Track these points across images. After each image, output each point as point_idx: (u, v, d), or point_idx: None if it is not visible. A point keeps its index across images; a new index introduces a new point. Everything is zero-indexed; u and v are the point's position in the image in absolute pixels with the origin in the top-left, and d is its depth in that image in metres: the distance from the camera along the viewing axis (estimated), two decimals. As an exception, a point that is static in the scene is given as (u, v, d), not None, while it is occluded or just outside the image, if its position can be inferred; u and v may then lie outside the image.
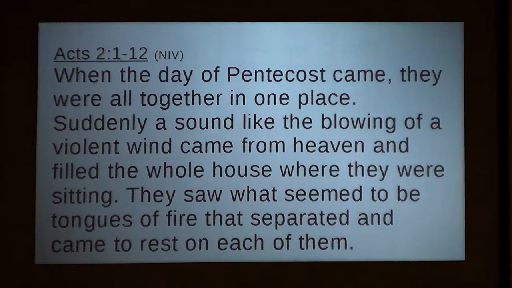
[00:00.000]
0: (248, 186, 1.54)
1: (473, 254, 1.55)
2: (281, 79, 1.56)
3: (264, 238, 1.53)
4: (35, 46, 1.55)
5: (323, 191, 1.54)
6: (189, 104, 1.55)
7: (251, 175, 1.54)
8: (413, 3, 1.59)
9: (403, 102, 1.56)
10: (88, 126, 1.54)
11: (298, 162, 1.54)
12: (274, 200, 1.54)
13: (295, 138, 1.55)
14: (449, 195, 1.55)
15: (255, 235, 1.53)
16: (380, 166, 1.55)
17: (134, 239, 1.53)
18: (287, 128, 1.55)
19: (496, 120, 1.57)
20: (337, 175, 1.55)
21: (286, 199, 1.54)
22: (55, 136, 1.53)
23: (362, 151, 1.55)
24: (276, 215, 1.54)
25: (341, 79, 1.57)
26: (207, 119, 1.55)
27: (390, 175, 1.55)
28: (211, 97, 1.55)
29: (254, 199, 1.53)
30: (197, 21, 1.57)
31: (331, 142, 1.55)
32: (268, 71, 1.56)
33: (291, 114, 1.55)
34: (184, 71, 1.56)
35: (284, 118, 1.55)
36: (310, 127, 1.55)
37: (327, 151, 1.55)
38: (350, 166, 1.55)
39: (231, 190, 1.53)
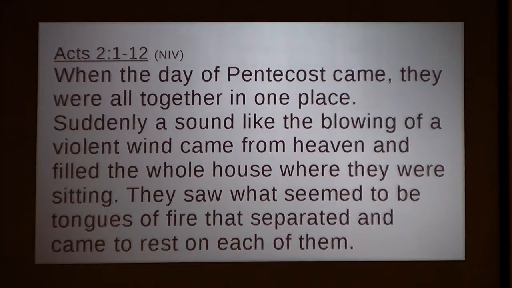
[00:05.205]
0: (248, 186, 1.54)
1: (473, 254, 1.55)
2: (281, 79, 1.56)
3: (264, 238, 1.53)
4: (35, 46, 1.55)
5: (323, 190, 1.54)
6: (189, 104, 1.55)
7: (251, 175, 1.54)
8: (413, 3, 1.59)
9: (403, 102, 1.56)
10: (88, 126, 1.54)
11: (298, 162, 1.54)
12: (274, 200, 1.54)
13: (295, 138, 1.55)
14: (449, 195, 1.55)
15: (255, 235, 1.53)
16: (380, 166, 1.55)
17: (134, 239, 1.53)
18: (287, 128, 1.55)
19: (496, 120, 1.57)
20: (337, 175, 1.55)
21: (286, 199, 1.54)
22: (55, 136, 1.53)
23: (362, 151, 1.55)
24: (276, 215, 1.54)
25: (341, 79, 1.57)
26: (207, 119, 1.55)
27: (390, 175, 1.55)
28: (211, 97, 1.55)
29: (254, 199, 1.53)
30: (197, 21, 1.57)
31: (331, 142, 1.55)
32: (268, 70, 1.56)
33: (291, 114, 1.55)
34: (184, 71, 1.56)
35: (284, 118, 1.55)
36: (310, 126, 1.55)
37: (327, 151, 1.55)
38: (350, 166, 1.55)
39: (231, 190, 1.53)
